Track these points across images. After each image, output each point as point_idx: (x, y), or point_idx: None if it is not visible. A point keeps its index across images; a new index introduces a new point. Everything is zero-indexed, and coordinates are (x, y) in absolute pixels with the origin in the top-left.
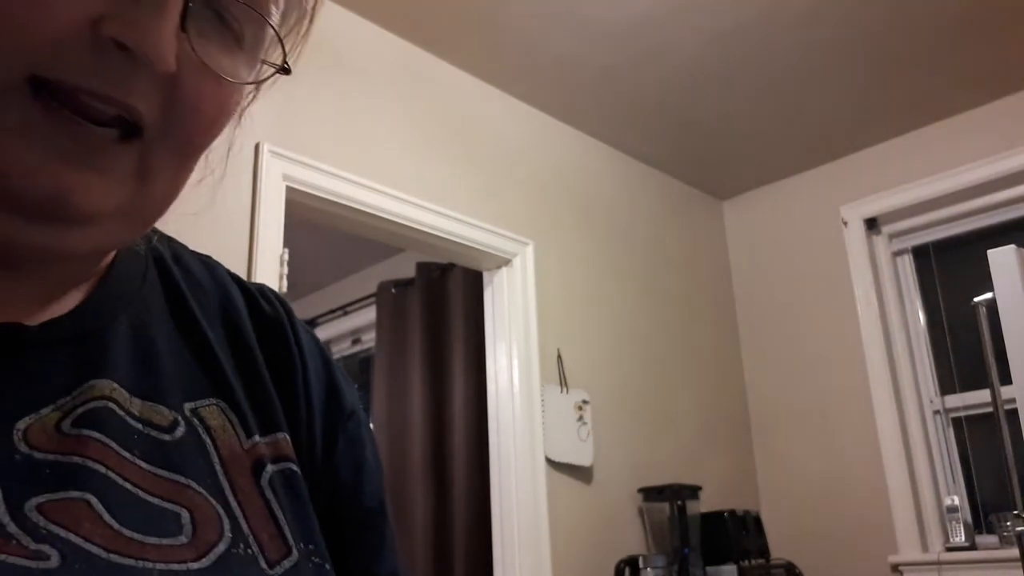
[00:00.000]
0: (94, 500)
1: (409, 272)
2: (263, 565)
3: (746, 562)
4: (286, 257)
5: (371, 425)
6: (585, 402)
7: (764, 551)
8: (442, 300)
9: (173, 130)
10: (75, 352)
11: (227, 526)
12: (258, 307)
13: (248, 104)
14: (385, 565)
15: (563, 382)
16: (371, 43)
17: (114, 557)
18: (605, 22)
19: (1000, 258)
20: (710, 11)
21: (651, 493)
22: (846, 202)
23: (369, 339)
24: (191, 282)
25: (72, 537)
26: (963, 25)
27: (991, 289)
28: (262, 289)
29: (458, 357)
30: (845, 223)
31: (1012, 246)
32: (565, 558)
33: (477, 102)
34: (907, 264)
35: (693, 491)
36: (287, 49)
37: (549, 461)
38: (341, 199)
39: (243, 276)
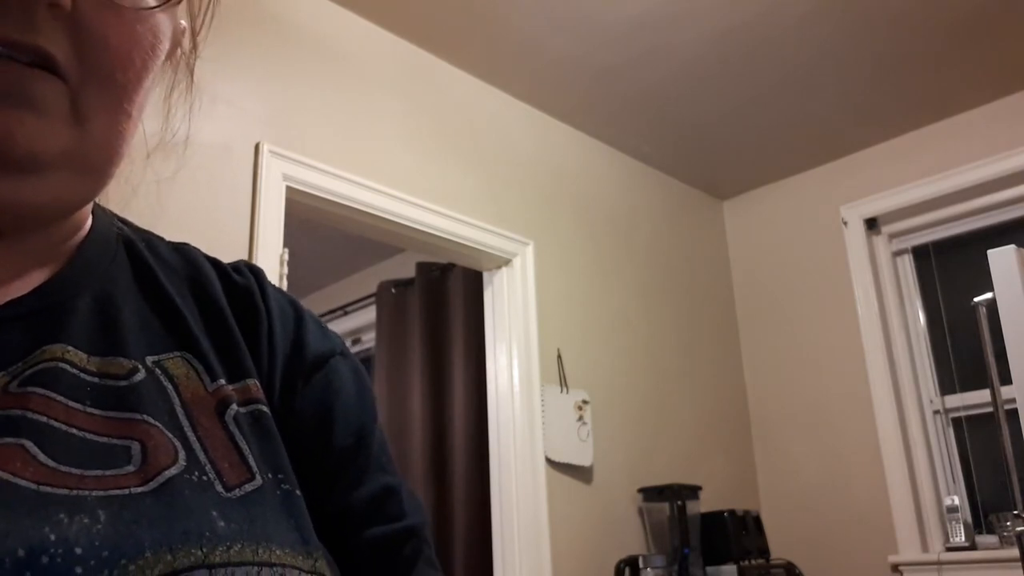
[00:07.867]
0: (29, 444)
1: (409, 272)
2: (219, 489)
3: (746, 562)
4: (286, 257)
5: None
6: (585, 402)
7: (764, 551)
8: (442, 300)
9: (92, 69)
10: (32, 324)
11: (182, 456)
12: (230, 279)
13: (191, 55)
14: (365, 490)
15: (563, 382)
16: (371, 43)
17: (44, 488)
18: (605, 22)
19: (1000, 258)
20: (710, 11)
21: (651, 493)
22: (846, 202)
23: (369, 339)
24: (160, 262)
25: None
26: (963, 25)
27: (991, 289)
28: (236, 265)
29: (458, 357)
30: (845, 223)
31: (1012, 246)
32: (565, 558)
33: (477, 102)
34: (907, 264)
35: (693, 491)
36: None
37: (549, 461)
38: (341, 199)
39: None
